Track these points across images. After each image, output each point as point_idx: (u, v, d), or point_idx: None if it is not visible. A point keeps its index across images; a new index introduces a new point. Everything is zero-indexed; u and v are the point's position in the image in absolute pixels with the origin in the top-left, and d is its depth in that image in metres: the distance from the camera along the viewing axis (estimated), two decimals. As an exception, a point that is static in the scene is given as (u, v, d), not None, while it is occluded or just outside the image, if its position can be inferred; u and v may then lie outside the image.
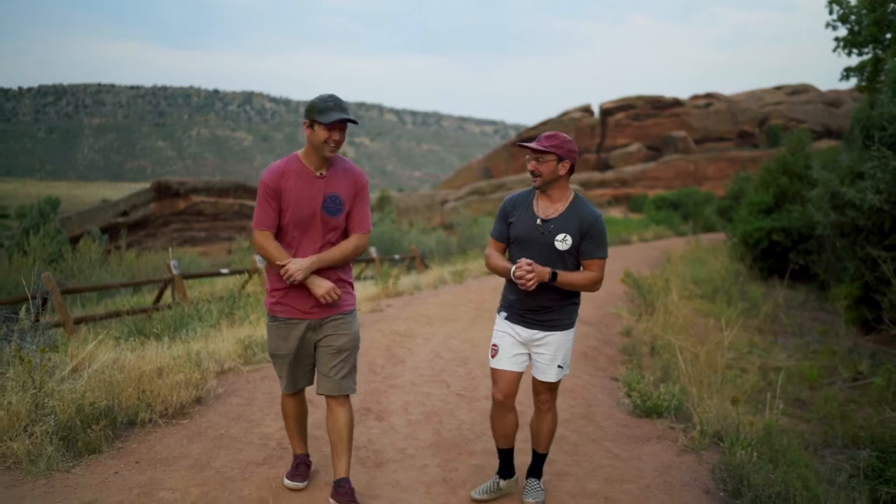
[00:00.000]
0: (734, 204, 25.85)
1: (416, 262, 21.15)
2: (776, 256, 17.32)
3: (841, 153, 14.48)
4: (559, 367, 4.02)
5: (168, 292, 11.98)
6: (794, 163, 18.03)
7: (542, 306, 3.94)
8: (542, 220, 3.91)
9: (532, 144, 3.86)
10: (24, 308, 5.71)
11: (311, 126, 3.67)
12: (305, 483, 4.13)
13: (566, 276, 3.82)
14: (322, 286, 3.71)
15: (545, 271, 3.76)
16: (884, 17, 16.96)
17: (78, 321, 9.28)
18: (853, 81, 18.71)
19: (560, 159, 3.84)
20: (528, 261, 3.76)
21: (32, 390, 4.58)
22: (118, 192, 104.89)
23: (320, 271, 3.77)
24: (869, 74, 17.17)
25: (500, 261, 4.00)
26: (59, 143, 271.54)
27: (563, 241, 3.86)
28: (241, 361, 6.69)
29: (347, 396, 3.92)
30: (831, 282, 13.88)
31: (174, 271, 11.70)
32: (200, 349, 6.49)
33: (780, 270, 16.64)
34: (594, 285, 3.90)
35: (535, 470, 4.22)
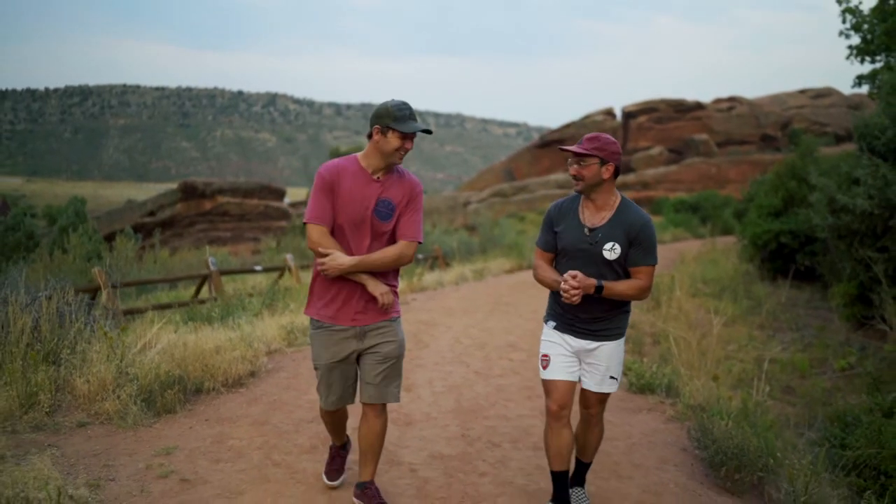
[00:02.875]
0: (749, 207, 26.44)
1: (439, 261, 22.00)
2: (784, 258, 17.94)
3: (847, 159, 15.10)
4: (612, 377, 3.88)
5: (205, 287, 12.94)
6: (803, 167, 18.66)
7: (593, 317, 3.80)
8: (590, 230, 3.75)
9: (573, 147, 3.71)
10: (104, 295, 6.58)
11: (382, 132, 3.63)
12: (339, 481, 4.22)
13: (613, 288, 3.66)
14: (379, 287, 3.71)
15: (591, 283, 3.61)
16: (895, 28, 17.47)
17: (126, 312, 10.22)
18: (865, 88, 19.19)
19: (603, 162, 3.68)
20: (574, 273, 3.61)
21: (116, 361, 5.47)
22: (143, 192, 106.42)
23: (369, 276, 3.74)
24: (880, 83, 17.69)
25: (549, 273, 3.85)
26: (84, 143, 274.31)
27: (611, 251, 3.69)
28: (284, 344, 7.59)
29: (385, 406, 3.88)
30: (833, 282, 14.54)
31: (212, 268, 12.62)
32: (249, 333, 7.37)
33: (788, 271, 17.29)
34: (642, 294, 3.75)
35: (579, 478, 4.21)
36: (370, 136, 3.69)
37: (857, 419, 6.24)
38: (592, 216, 3.78)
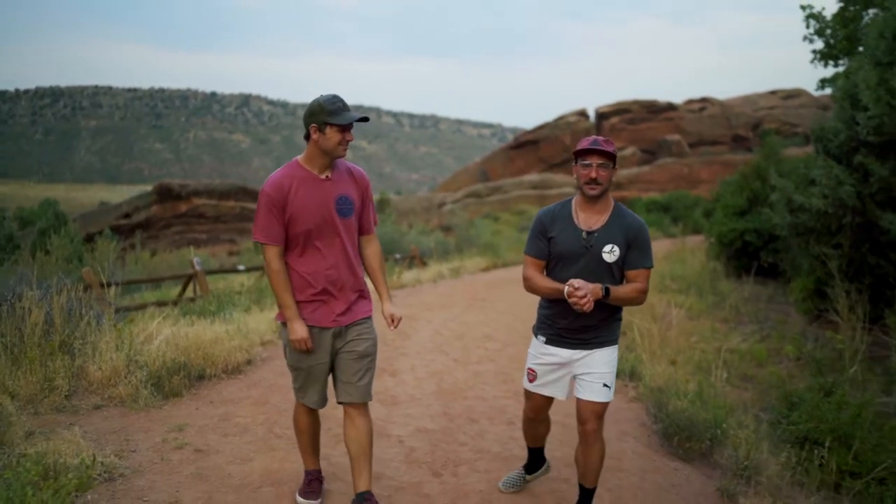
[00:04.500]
0: (717, 207, 27.24)
1: (416, 260, 22.52)
2: (748, 255, 18.62)
3: (806, 161, 15.81)
4: (605, 385, 3.79)
5: (189, 287, 13.42)
6: (767, 168, 19.37)
7: (587, 325, 3.76)
8: (588, 233, 3.70)
9: (598, 147, 3.64)
10: (111, 292, 7.07)
11: (320, 129, 3.57)
12: (319, 501, 4.05)
13: (618, 291, 3.63)
14: (397, 310, 3.92)
15: (596, 288, 3.55)
16: (855, 33, 18.17)
17: (117, 310, 10.66)
18: (829, 91, 19.86)
19: (615, 165, 3.72)
20: (579, 281, 3.56)
21: (126, 350, 5.99)
22: (116, 194, 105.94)
23: (348, 276, 3.77)
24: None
25: (545, 281, 3.77)
26: (56, 145, 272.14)
27: (610, 253, 3.66)
28: (275, 336, 8.10)
29: (367, 405, 3.85)
30: (793, 277, 15.24)
31: (197, 267, 13.11)
32: (243, 326, 7.88)
33: (752, 268, 18.00)
34: (643, 296, 3.71)
35: None
36: (307, 138, 3.64)
37: (801, 398, 6.87)
38: (589, 220, 3.73)
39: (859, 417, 6.12)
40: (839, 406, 6.28)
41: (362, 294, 3.87)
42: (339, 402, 3.82)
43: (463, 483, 4.47)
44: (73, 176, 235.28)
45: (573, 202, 3.83)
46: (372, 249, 3.96)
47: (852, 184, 10.36)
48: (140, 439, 4.83)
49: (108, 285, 7.71)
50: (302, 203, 3.60)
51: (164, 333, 6.87)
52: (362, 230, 3.90)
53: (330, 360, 3.80)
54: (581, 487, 4.00)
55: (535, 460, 4.40)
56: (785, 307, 14.82)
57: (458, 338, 8.97)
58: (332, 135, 3.55)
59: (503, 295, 13.23)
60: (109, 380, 5.72)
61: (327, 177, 3.68)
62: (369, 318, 3.87)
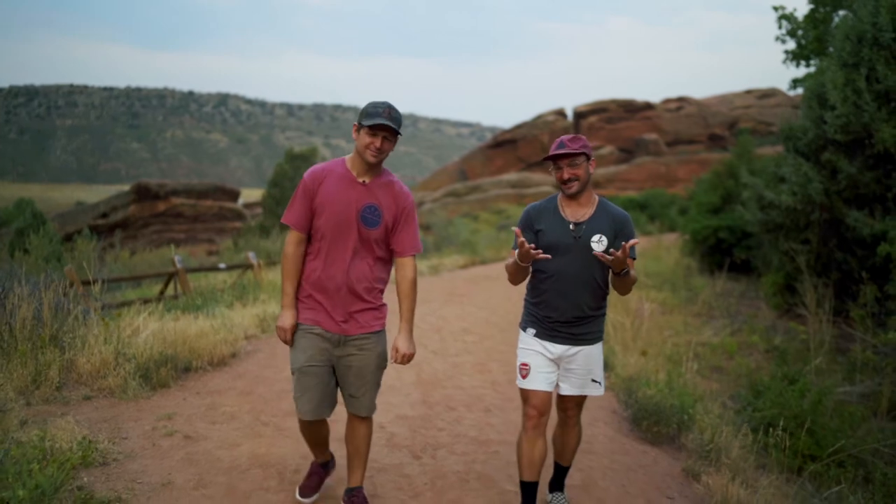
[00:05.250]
0: (692, 205, 27.65)
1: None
2: (722, 252, 18.98)
3: (776, 159, 16.17)
4: (594, 381, 3.87)
5: (170, 285, 13.57)
6: (740, 167, 19.77)
7: (577, 317, 3.76)
8: (575, 224, 3.71)
9: (563, 151, 3.65)
10: (97, 288, 7.23)
11: (357, 130, 3.58)
12: (314, 497, 4.05)
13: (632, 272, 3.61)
14: (412, 346, 3.75)
15: (623, 261, 3.46)
16: (825, 35, 18.54)
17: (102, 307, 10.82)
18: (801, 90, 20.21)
19: (588, 158, 3.72)
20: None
21: (115, 343, 6.17)
22: (92, 194, 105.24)
23: (352, 287, 3.64)
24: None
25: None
26: (30, 144, 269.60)
27: (598, 242, 3.66)
28: (258, 330, 8.31)
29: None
30: (764, 273, 15.60)
31: (178, 265, 13.27)
32: (227, 321, 8.08)
33: (727, 265, 18.37)
34: (633, 285, 3.71)
35: (558, 483, 4.25)
36: None
37: (767, 386, 7.16)
38: (575, 213, 3.75)
39: (820, 404, 6.42)
40: (801, 393, 6.58)
41: (372, 306, 3.70)
42: (348, 411, 3.82)
43: (441, 465, 4.71)
44: (48, 175, 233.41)
45: (559, 198, 3.84)
46: (402, 274, 3.78)
47: (820, 181, 10.68)
48: (131, 427, 5.01)
49: (94, 282, 7.86)
50: (327, 198, 3.58)
51: (150, 328, 7.06)
52: (396, 251, 3.74)
53: (327, 368, 3.69)
54: (556, 465, 4.21)
55: (531, 500, 3.94)
56: (756, 302, 15.17)
57: (437, 331, 9.21)
58: (362, 136, 3.54)
59: (481, 291, 13.49)
60: (98, 371, 5.90)
61: (364, 182, 3.62)
62: (376, 332, 3.72)
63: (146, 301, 11.33)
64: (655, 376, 6.81)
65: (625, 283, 3.63)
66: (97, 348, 6.06)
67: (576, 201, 3.76)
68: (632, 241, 3.43)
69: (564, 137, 3.71)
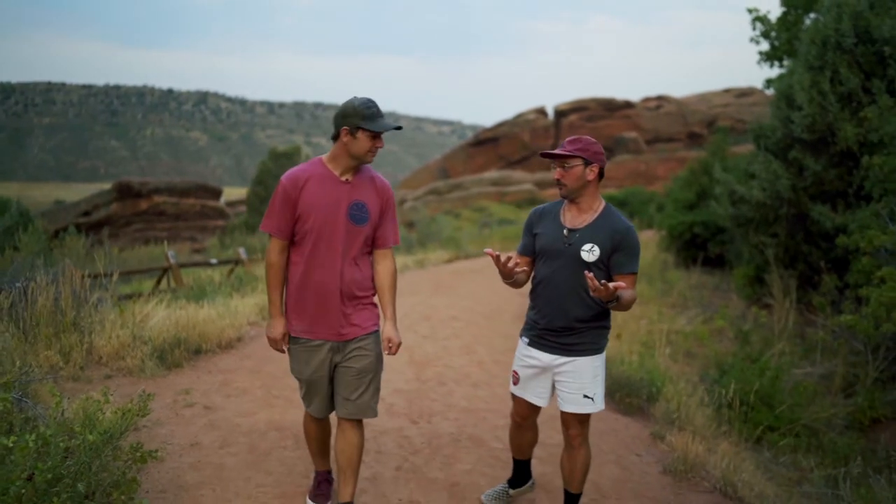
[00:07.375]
0: (668, 201, 28.29)
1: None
2: (697, 246, 19.61)
3: (747, 156, 16.82)
4: (586, 397, 3.65)
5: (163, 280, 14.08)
6: (714, 164, 20.41)
7: (565, 327, 3.62)
8: (569, 230, 3.59)
9: (556, 150, 3.56)
10: (113, 279, 7.75)
11: (351, 133, 3.43)
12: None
13: (626, 294, 3.41)
14: (398, 335, 3.71)
15: (610, 293, 3.23)
16: (796, 37, 19.15)
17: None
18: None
19: (587, 163, 3.54)
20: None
21: (131, 328, 6.70)
22: (72, 192, 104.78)
23: (345, 286, 3.57)
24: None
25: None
26: (7, 142, 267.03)
27: (589, 252, 3.51)
28: (259, 318, 8.83)
29: (362, 420, 3.73)
30: (736, 266, 16.27)
31: (171, 261, 13.80)
32: (230, 308, 8.60)
33: (702, 259, 19.03)
34: (633, 303, 3.52)
35: None
36: (335, 138, 3.51)
37: (731, 366, 7.79)
38: (574, 219, 3.63)
39: (777, 380, 7.06)
40: (762, 371, 7.21)
41: (365, 305, 3.68)
42: (338, 416, 3.71)
43: (436, 428, 5.31)
44: (26, 174, 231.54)
45: (565, 202, 3.72)
46: (384, 266, 3.73)
47: (788, 178, 11.31)
48: (153, 400, 5.54)
49: (108, 274, 8.36)
50: (312, 200, 3.48)
51: (159, 314, 7.58)
52: (377, 243, 3.69)
53: (329, 374, 3.67)
54: (566, 493, 3.93)
55: (521, 474, 4.21)
56: (729, 294, 15.83)
57: (426, 319, 9.80)
58: (363, 140, 3.43)
59: (466, 283, 14.11)
60: (117, 353, 6.42)
61: (347, 180, 3.54)
62: (372, 332, 3.69)
63: (139, 295, 11.84)
64: (629, 357, 7.41)
65: (619, 307, 3.45)
66: (114, 332, 6.58)
67: (576, 206, 3.64)
68: (617, 284, 3.23)
69: (568, 138, 3.63)
